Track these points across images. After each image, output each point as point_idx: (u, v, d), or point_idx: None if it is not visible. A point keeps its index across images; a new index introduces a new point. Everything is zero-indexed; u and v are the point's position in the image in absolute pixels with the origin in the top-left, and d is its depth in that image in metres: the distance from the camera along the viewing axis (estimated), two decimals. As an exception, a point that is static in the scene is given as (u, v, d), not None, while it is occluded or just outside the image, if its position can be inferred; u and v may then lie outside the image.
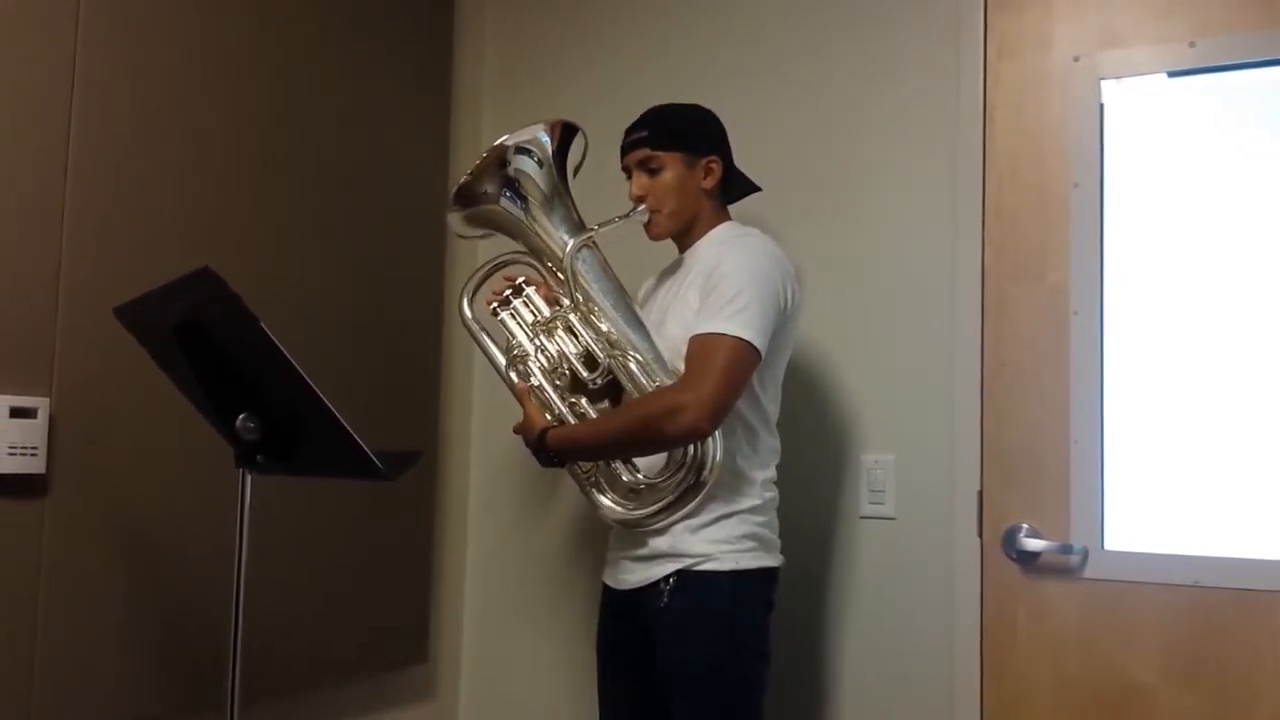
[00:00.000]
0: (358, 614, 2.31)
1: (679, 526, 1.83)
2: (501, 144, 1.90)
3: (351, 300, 2.31)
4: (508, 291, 1.98)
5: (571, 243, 1.88)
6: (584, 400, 1.89)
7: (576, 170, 1.99)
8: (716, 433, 1.79)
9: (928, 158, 2.23)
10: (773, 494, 1.93)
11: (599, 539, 2.20)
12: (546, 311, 1.94)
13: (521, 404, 1.90)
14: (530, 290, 1.97)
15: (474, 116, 2.71)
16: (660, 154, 1.92)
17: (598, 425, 1.86)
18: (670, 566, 1.84)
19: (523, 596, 2.62)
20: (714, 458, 1.80)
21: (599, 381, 1.88)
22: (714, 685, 1.82)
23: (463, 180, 1.91)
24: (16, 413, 1.70)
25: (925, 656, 2.15)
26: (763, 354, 1.80)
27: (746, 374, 1.80)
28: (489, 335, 1.99)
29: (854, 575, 2.23)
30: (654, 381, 1.84)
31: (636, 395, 1.85)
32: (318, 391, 1.49)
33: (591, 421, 1.87)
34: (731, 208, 2.03)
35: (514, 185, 1.91)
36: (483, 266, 2.03)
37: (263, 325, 1.48)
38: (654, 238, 1.98)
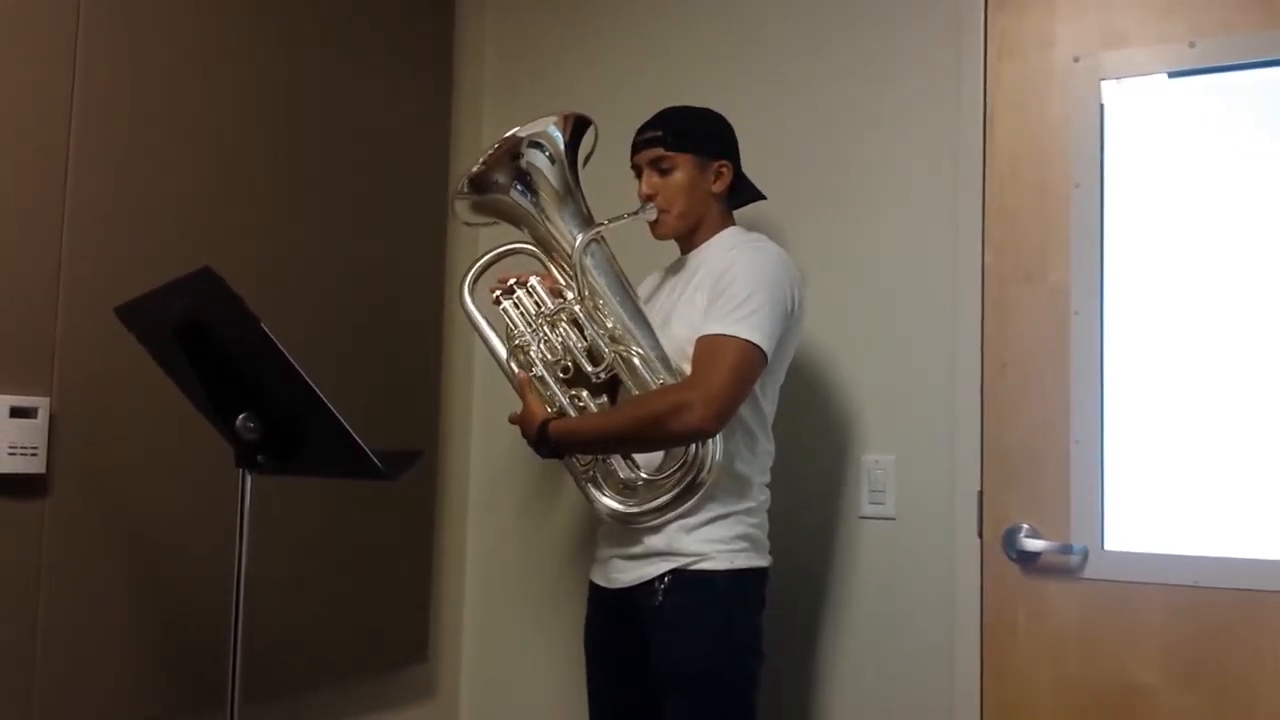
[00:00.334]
0: (358, 614, 2.31)
1: (674, 526, 1.83)
2: (514, 135, 1.89)
3: (352, 300, 2.31)
4: (511, 281, 1.97)
5: (582, 236, 1.88)
6: (585, 393, 1.89)
7: (586, 160, 1.99)
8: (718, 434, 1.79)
9: (928, 158, 2.23)
10: (766, 496, 1.94)
11: (599, 539, 2.20)
12: (550, 303, 1.93)
13: (522, 394, 1.90)
14: (534, 280, 1.96)
15: (474, 116, 2.71)
16: (673, 155, 1.93)
17: (601, 419, 1.86)
18: (665, 565, 1.84)
19: (523, 596, 2.62)
20: (714, 458, 1.80)
21: (602, 376, 1.88)
22: (711, 684, 1.82)
23: (475, 169, 1.91)
24: (17, 412, 1.70)
25: (925, 657, 2.15)
26: (769, 358, 1.81)
27: (754, 377, 1.81)
28: (490, 325, 1.98)
29: (854, 575, 2.23)
30: (657, 378, 1.84)
31: (637, 391, 1.85)
32: (318, 391, 1.49)
33: (594, 415, 1.87)
34: (734, 210, 2.03)
35: (525, 178, 1.92)
36: (485, 254, 2.01)
37: (263, 325, 1.48)
38: (659, 237, 1.98)
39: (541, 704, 2.55)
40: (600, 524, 2.00)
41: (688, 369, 1.83)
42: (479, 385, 2.70)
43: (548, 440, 1.84)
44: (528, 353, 1.92)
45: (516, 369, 1.92)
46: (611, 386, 1.94)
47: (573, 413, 1.87)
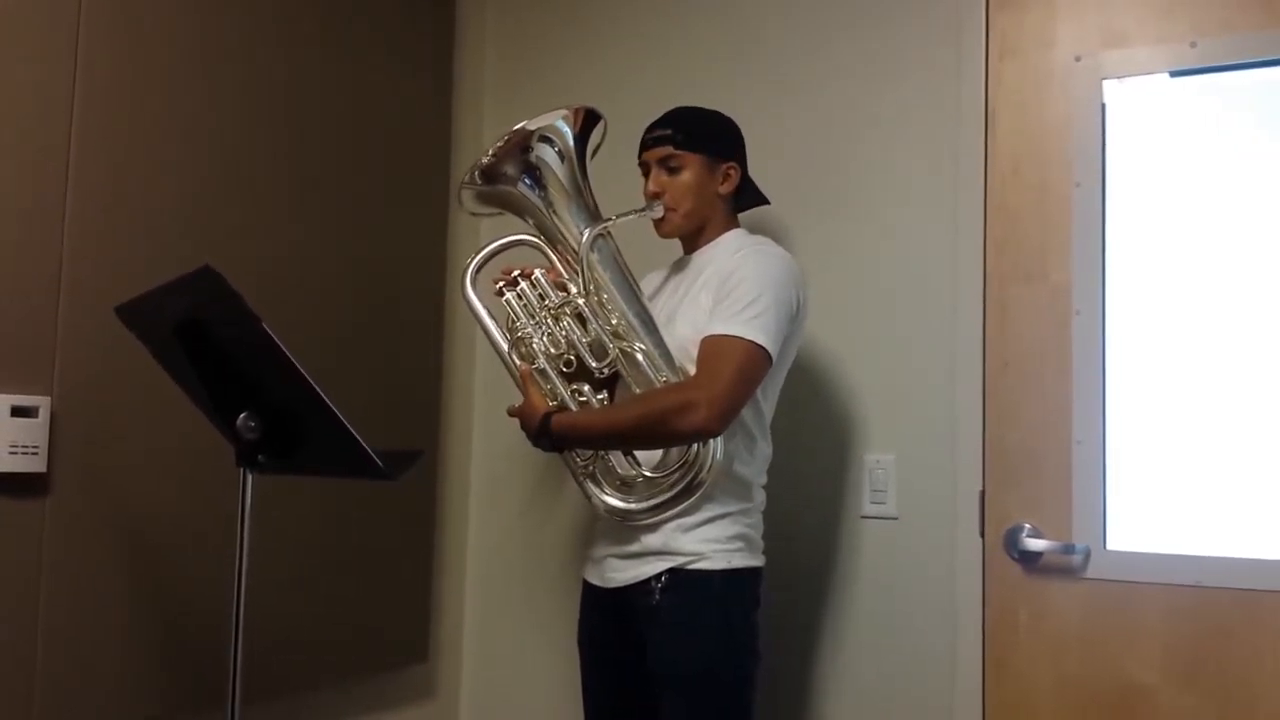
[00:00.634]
0: (358, 614, 2.31)
1: (670, 525, 1.83)
2: (524, 128, 1.89)
3: (352, 299, 2.31)
4: (515, 273, 1.97)
5: (589, 231, 1.88)
6: (587, 388, 1.89)
7: (594, 154, 1.99)
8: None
9: (929, 157, 2.22)
10: (763, 498, 1.94)
11: (600, 539, 2.20)
12: (554, 296, 1.93)
13: (523, 386, 1.89)
14: (538, 273, 1.96)
15: (475, 117, 2.71)
16: (682, 154, 1.93)
17: (604, 413, 1.86)
18: (661, 565, 1.84)
19: (523, 596, 2.61)
20: (714, 458, 1.80)
21: (605, 371, 1.87)
22: (709, 684, 1.82)
23: (485, 160, 1.91)
24: (17, 412, 1.70)
25: (927, 656, 2.15)
26: (774, 361, 1.81)
27: (758, 378, 1.81)
28: (492, 316, 1.98)
29: (856, 575, 2.23)
30: (659, 376, 1.84)
31: (637, 388, 1.85)
32: (319, 390, 1.49)
33: (598, 410, 1.87)
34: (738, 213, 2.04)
35: (534, 171, 1.92)
36: (489, 244, 2.00)
37: (264, 324, 1.48)
38: (664, 235, 1.99)
39: (541, 704, 2.55)
40: (595, 523, 1.99)
41: (690, 368, 1.83)
42: (480, 385, 2.70)
43: (549, 433, 1.83)
44: (529, 345, 1.92)
45: (518, 361, 1.92)
46: (611, 383, 1.94)
47: (574, 407, 1.87)
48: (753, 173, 2.04)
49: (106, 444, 1.83)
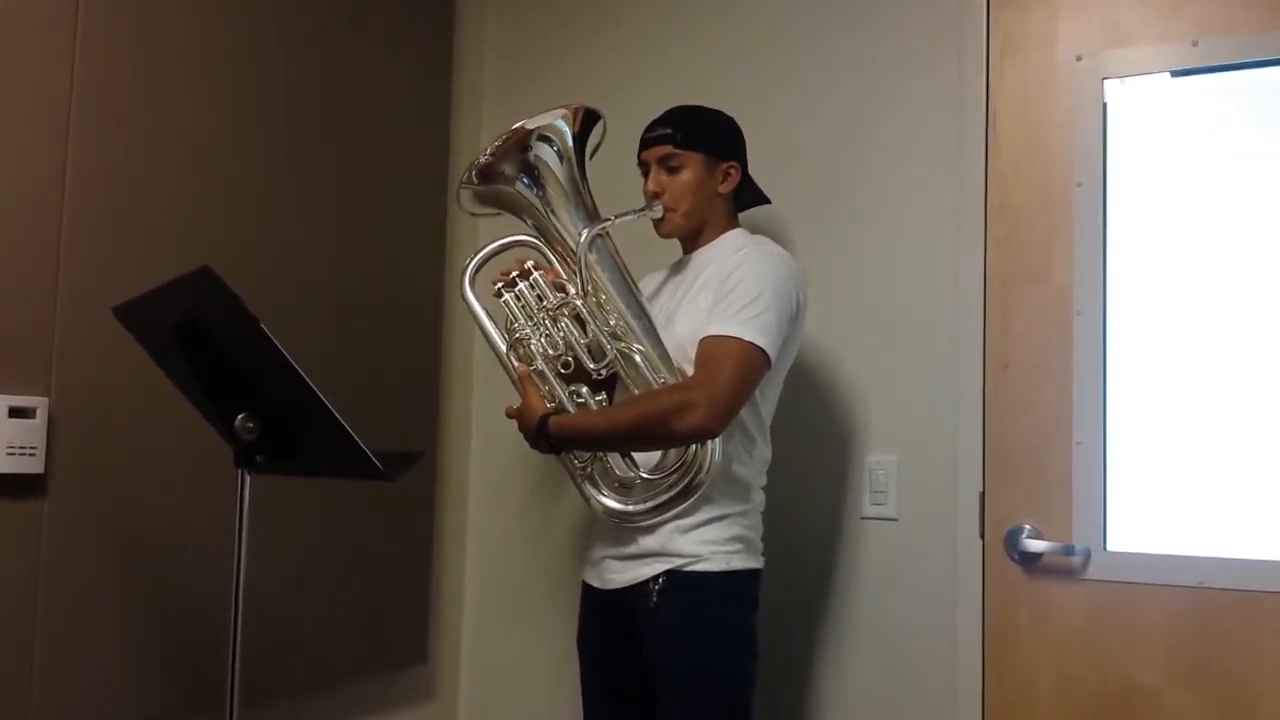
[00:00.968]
0: (358, 614, 2.30)
1: (668, 527, 1.83)
2: (522, 127, 1.89)
3: (352, 300, 2.31)
4: (514, 274, 1.96)
5: (587, 232, 1.87)
6: (585, 389, 1.88)
7: (593, 153, 1.98)
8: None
9: (930, 157, 2.22)
10: (761, 499, 1.94)
11: (600, 539, 2.19)
12: (552, 296, 1.92)
13: (521, 388, 1.89)
14: (537, 274, 1.95)
15: (474, 117, 2.71)
16: (682, 153, 1.92)
17: (603, 415, 1.86)
18: (660, 566, 1.84)
19: (523, 596, 2.61)
20: (712, 459, 1.80)
21: (604, 373, 1.87)
22: (708, 685, 1.81)
23: (483, 160, 1.91)
24: (15, 412, 1.70)
25: (927, 657, 2.15)
26: (773, 362, 1.80)
27: (757, 379, 1.80)
28: (490, 317, 1.97)
29: (856, 576, 2.23)
30: (658, 377, 1.83)
31: (636, 389, 1.84)
32: (317, 391, 1.49)
33: (596, 411, 1.87)
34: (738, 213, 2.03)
35: (532, 171, 1.91)
36: (487, 244, 1.99)
37: (262, 325, 1.48)
38: (663, 235, 1.98)
39: (541, 705, 2.55)
40: (594, 524, 1.99)
41: (689, 369, 1.83)
42: (479, 386, 2.70)
43: (547, 435, 1.83)
44: (528, 346, 1.91)
45: (516, 362, 1.91)
46: (610, 385, 1.93)
47: (572, 409, 1.86)
48: (753, 172, 2.03)
49: (104, 445, 1.83)
